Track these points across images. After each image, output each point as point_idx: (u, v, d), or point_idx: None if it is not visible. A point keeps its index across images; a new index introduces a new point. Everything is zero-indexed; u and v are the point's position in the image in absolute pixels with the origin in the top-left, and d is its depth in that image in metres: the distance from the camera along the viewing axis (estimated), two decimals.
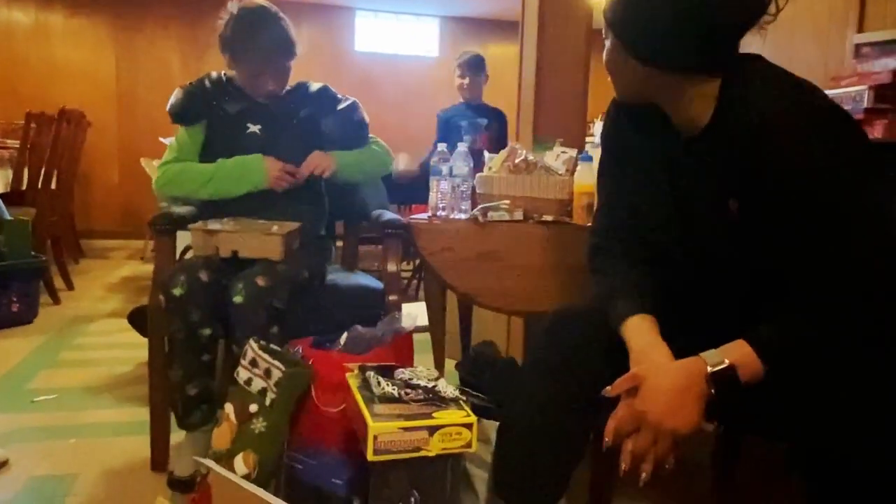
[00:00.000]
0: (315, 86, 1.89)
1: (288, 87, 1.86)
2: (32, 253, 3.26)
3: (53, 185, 3.89)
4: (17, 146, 3.65)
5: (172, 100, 1.81)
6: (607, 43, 1.01)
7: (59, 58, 5.91)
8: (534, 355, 1.13)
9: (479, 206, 1.76)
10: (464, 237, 1.73)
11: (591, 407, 0.99)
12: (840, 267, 0.88)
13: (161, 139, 3.95)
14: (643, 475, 0.92)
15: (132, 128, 6.07)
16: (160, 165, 1.82)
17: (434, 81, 7.01)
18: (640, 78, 0.98)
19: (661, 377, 0.93)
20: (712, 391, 0.91)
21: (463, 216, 1.77)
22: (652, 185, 1.07)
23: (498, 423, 1.29)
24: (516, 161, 1.78)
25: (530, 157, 1.80)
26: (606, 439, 0.94)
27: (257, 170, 1.73)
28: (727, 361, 0.91)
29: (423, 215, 1.82)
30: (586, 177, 1.74)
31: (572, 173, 1.80)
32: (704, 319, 1.01)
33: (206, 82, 1.82)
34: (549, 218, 1.74)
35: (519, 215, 1.74)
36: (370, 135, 1.93)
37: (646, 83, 0.99)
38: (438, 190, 1.81)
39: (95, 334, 3.06)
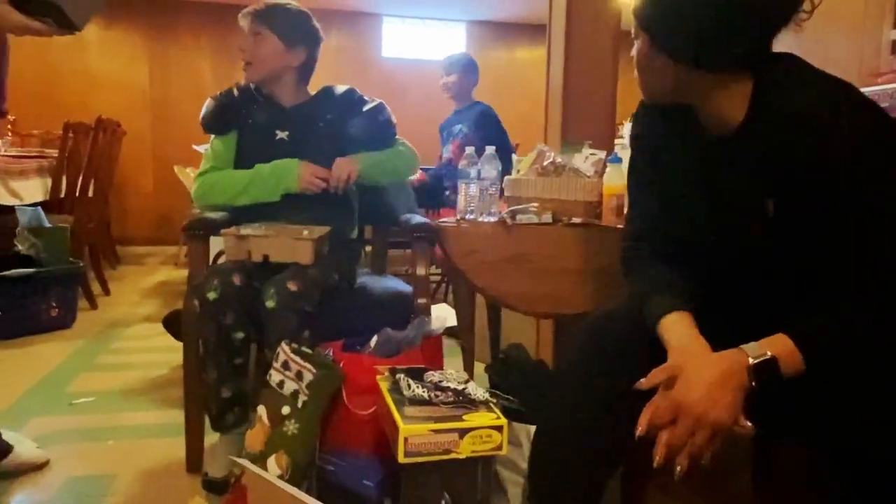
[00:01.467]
0: (340, 89, 1.91)
1: (314, 92, 1.88)
2: (71, 259, 3.35)
3: (91, 193, 3.99)
4: (56, 155, 3.75)
5: (204, 111, 1.84)
6: (638, 42, 1.00)
7: (95, 68, 6.07)
8: (570, 360, 1.12)
9: (508, 209, 1.76)
10: (492, 240, 1.73)
11: (628, 412, 0.98)
12: (880, 264, 0.87)
13: (195, 147, 4.02)
14: (678, 468, 0.90)
15: (166, 136, 6.20)
16: (197, 176, 1.85)
17: None
18: (671, 77, 0.98)
19: (700, 367, 0.92)
20: (753, 383, 0.89)
21: (491, 219, 1.77)
22: (684, 185, 1.06)
23: (528, 426, 1.29)
24: (545, 163, 1.78)
25: (559, 160, 1.80)
26: (639, 428, 0.92)
27: (291, 174, 1.75)
28: (769, 353, 0.89)
29: (452, 219, 1.82)
30: (615, 178, 1.73)
31: (601, 175, 1.79)
32: (739, 318, 0.99)
33: (235, 91, 1.86)
34: (578, 220, 1.73)
35: (548, 218, 1.74)
36: (397, 136, 1.94)
37: (677, 82, 0.98)
38: (467, 193, 1.81)
39: (131, 338, 3.13)
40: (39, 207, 3.40)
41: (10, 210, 3.25)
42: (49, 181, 3.72)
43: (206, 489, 1.59)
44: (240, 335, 1.60)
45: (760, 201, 0.94)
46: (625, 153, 2.00)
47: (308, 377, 1.38)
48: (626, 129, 2.29)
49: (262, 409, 1.42)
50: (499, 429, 1.17)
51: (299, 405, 1.38)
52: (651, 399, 0.94)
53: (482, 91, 3.88)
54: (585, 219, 1.74)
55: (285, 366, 1.42)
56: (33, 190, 3.55)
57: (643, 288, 1.09)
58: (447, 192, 3.28)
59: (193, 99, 5.91)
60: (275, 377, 1.43)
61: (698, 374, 0.91)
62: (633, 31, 1.01)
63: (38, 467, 1.76)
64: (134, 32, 6.18)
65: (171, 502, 1.61)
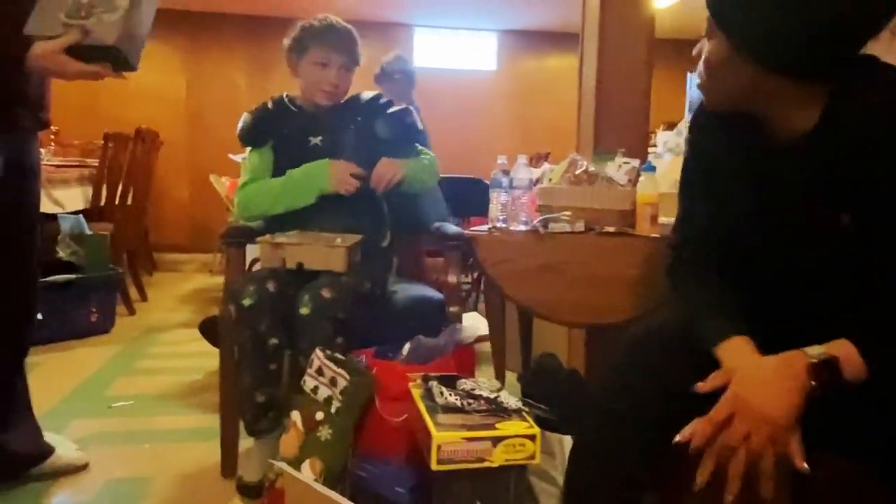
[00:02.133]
0: (368, 94, 1.94)
1: (342, 100, 1.91)
2: (110, 266, 3.44)
3: (129, 202, 4.09)
4: (96, 165, 3.85)
5: (240, 125, 1.88)
6: (711, 43, 0.96)
7: (134, 81, 6.17)
8: (611, 374, 1.09)
9: (540, 218, 1.76)
10: (524, 248, 1.73)
11: (672, 429, 0.96)
12: None
13: (230, 156, 4.10)
14: (733, 473, 0.86)
15: (201, 146, 6.33)
16: (238, 189, 1.87)
17: (492, 94, 7.06)
18: (747, 81, 0.93)
19: (760, 366, 0.90)
20: (813, 383, 0.86)
21: (523, 227, 1.77)
22: (740, 196, 1.03)
23: (561, 436, 1.28)
24: (577, 172, 1.78)
25: (591, 168, 1.79)
26: (688, 434, 0.89)
27: (322, 174, 1.77)
28: (830, 354, 0.87)
29: (484, 227, 1.83)
30: (649, 187, 1.72)
31: (634, 184, 1.78)
32: (793, 332, 0.97)
33: (269, 104, 1.89)
34: (611, 229, 1.72)
35: (580, 226, 1.73)
36: (418, 147, 1.94)
37: (752, 87, 0.94)
38: (498, 202, 1.82)
39: (168, 344, 3.19)
40: (81, 215, 3.50)
41: (52, 218, 3.34)
42: (90, 190, 3.82)
43: (241, 493, 1.61)
44: (274, 341, 1.62)
45: (831, 210, 0.91)
46: (659, 162, 1.99)
47: (342, 383, 1.39)
48: (659, 137, 2.27)
49: (296, 415, 1.44)
50: (532, 438, 1.16)
51: (333, 411, 1.39)
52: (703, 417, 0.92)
53: (514, 99, 3.88)
54: (619, 228, 1.73)
55: (319, 372, 1.44)
56: (74, 198, 3.65)
57: (696, 307, 1.06)
58: None
59: (228, 110, 6.05)
60: (309, 383, 1.45)
61: (758, 371, 0.89)
62: (706, 30, 0.97)
63: (79, 469, 1.81)
64: (171, 46, 6.33)
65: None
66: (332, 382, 1.42)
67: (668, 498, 1.25)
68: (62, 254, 3.24)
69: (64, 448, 1.82)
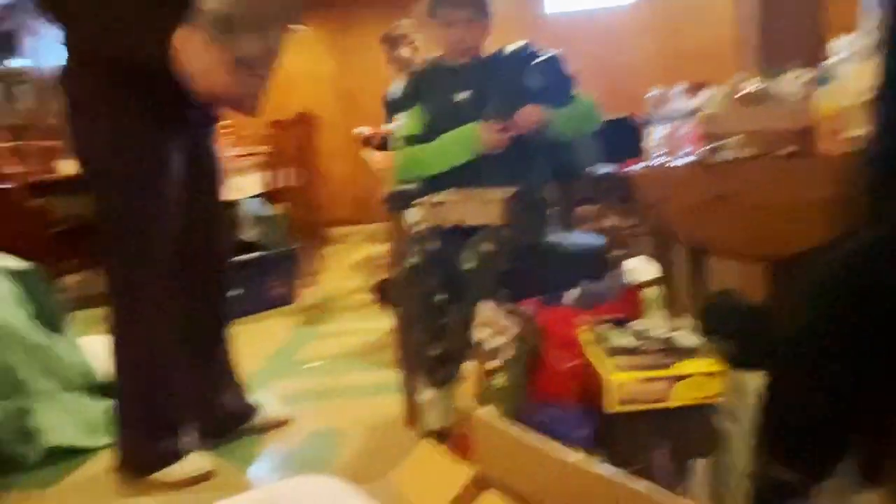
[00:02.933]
0: (512, 46, 1.91)
1: (486, 55, 1.90)
2: (288, 243, 3.75)
3: (299, 182, 4.41)
4: (268, 151, 4.19)
5: (390, 92, 1.94)
6: None
7: (291, 68, 6.61)
8: (811, 304, 1.00)
9: (704, 147, 1.64)
10: (689, 182, 1.63)
11: (884, 361, 0.86)
12: None
13: (383, 127, 4.25)
14: None
15: (355, 123, 6.61)
16: (395, 156, 1.95)
17: (633, 28, 6.63)
18: None
19: None
20: None
21: (686, 160, 1.67)
22: None
23: (750, 374, 1.21)
24: (744, 92, 1.63)
25: (760, 86, 1.63)
26: None
27: (473, 137, 1.79)
28: None
29: (640, 165, 1.75)
30: (829, 100, 1.54)
31: (811, 98, 1.60)
32: None
33: (419, 67, 1.93)
34: (788, 150, 1.57)
35: (753, 151, 1.59)
36: (577, 92, 1.88)
37: None
38: (655, 136, 1.72)
39: (346, 309, 3.44)
40: (259, 198, 3.84)
41: (235, 203, 3.70)
42: (264, 175, 4.17)
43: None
44: (441, 297, 1.68)
45: None
46: (838, 71, 1.77)
47: (509, 332, 1.41)
48: (836, 44, 2.01)
49: (470, 365, 1.49)
50: (714, 376, 1.11)
51: (504, 360, 1.42)
52: None
53: (657, 30, 3.60)
54: (796, 148, 1.56)
55: (486, 323, 1.47)
56: (252, 183, 4.01)
57: None
58: None
59: (375, 84, 6.23)
60: (478, 334, 1.48)
61: None
62: None
63: (282, 424, 2.01)
64: (321, 31, 6.64)
65: (395, 452, 1.75)
66: (501, 332, 1.44)
67: (881, 443, 1.14)
68: (246, 235, 3.58)
69: (269, 405, 2.04)
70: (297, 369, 2.55)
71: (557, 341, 1.43)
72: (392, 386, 1.98)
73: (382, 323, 2.84)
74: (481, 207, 1.67)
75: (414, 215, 1.88)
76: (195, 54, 1.45)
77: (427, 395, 1.77)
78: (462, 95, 1.86)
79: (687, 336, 1.20)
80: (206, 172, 1.77)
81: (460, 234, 1.68)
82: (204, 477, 1.71)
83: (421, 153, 1.87)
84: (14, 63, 4.73)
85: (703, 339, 1.21)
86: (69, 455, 1.89)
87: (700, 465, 1.14)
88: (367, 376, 2.38)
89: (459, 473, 0.99)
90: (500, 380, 1.41)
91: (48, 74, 4.90)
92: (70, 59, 1.64)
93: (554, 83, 1.85)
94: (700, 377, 1.11)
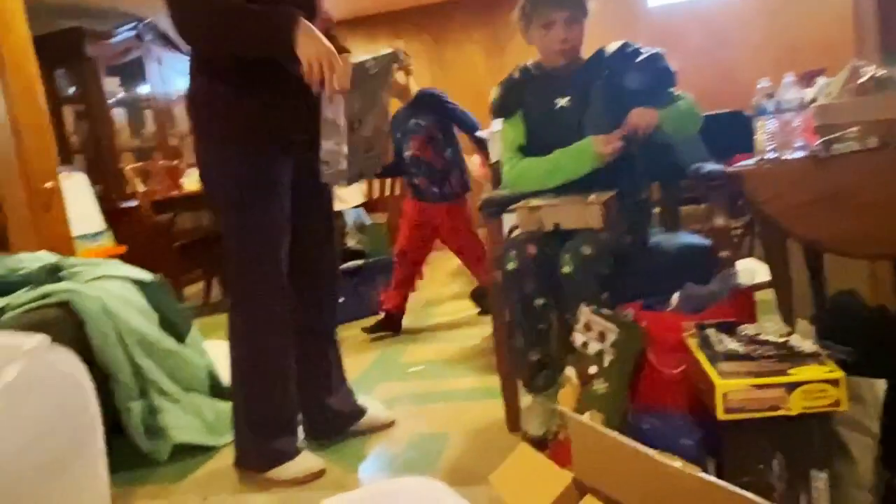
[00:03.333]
0: (613, 45, 1.86)
1: (586, 57, 1.86)
2: (389, 250, 3.84)
3: (398, 192, 4.51)
4: None
5: (492, 97, 1.94)
6: None
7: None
8: None
9: (820, 140, 1.54)
10: (803, 178, 1.53)
11: None
12: None
13: (477, 133, 4.28)
14: None
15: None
16: (504, 165, 1.94)
17: (740, 18, 6.32)
18: None
19: None
20: None
21: (799, 154, 1.57)
22: None
23: (873, 381, 1.13)
24: (862, 80, 1.52)
25: (880, 73, 1.52)
26: None
27: (590, 154, 1.73)
28: None
29: (751, 161, 1.66)
30: None
31: None
32: None
33: (515, 74, 1.92)
34: None
35: (873, 142, 1.48)
36: (676, 91, 1.81)
37: None
38: (765, 130, 1.64)
39: (446, 314, 3.48)
40: (361, 208, 3.97)
41: (339, 214, 3.85)
42: (364, 186, 4.31)
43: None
44: (540, 301, 1.67)
45: None
46: None
47: (611, 337, 1.39)
48: None
49: (570, 370, 1.47)
50: (834, 383, 1.04)
51: (605, 364, 1.40)
52: None
53: (766, 17, 3.43)
54: None
55: (587, 327, 1.45)
56: (354, 195, 4.16)
57: None
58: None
59: (470, 90, 6.29)
60: (578, 339, 1.47)
61: None
62: None
63: (387, 426, 2.07)
64: (416, 41, 6.79)
65: (497, 456, 1.75)
66: (602, 337, 1.42)
67: None
68: (350, 243, 3.71)
69: (375, 408, 2.10)
70: (400, 373, 2.61)
71: (662, 346, 1.39)
72: (493, 391, 1.99)
73: (482, 329, 2.87)
74: (580, 211, 1.66)
75: (511, 220, 1.88)
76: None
77: (527, 400, 1.77)
78: (563, 101, 1.82)
79: (803, 341, 1.14)
80: (315, 187, 1.86)
81: (559, 238, 1.67)
82: (315, 475, 1.79)
83: (533, 168, 1.84)
84: (140, 89, 5.14)
85: (821, 345, 1.14)
86: (194, 452, 2.03)
87: (819, 478, 1.07)
88: (469, 381, 2.40)
89: (558, 479, 0.98)
90: (600, 386, 1.39)
91: (171, 100, 5.30)
92: (194, 83, 1.79)
93: (657, 82, 1.79)
94: (819, 384, 1.04)
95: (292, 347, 1.86)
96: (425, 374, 2.56)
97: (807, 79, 2.34)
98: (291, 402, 1.87)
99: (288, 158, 1.78)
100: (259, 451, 1.81)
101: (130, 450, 1.98)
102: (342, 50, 1.69)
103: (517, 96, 1.90)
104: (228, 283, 1.82)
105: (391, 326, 3.19)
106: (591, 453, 0.97)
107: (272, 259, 1.77)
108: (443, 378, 2.48)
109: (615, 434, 0.94)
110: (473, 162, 4.41)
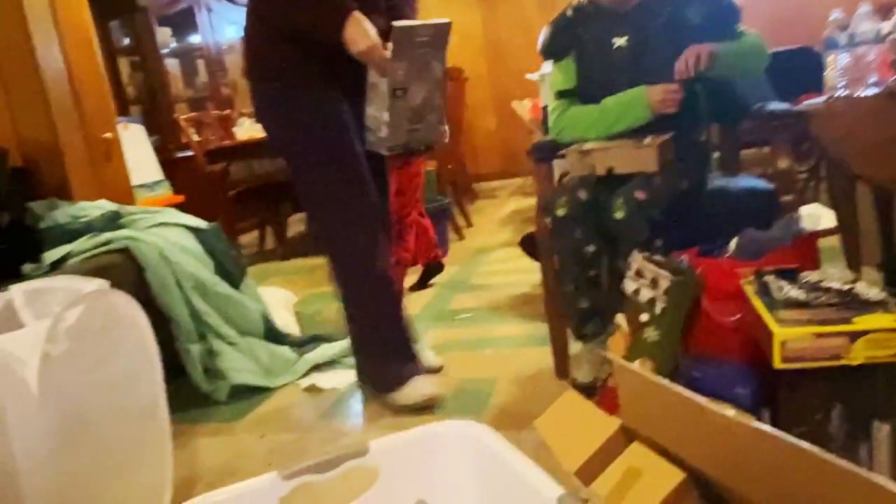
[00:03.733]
0: None
1: None
2: (438, 197, 3.83)
3: (447, 139, 4.46)
4: None
5: (541, 38, 1.86)
6: None
7: None
8: None
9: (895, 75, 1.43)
10: (875, 116, 1.43)
11: None
12: None
13: (527, 76, 4.17)
14: None
15: (501, 75, 6.55)
16: (551, 112, 1.88)
17: None
18: None
19: None
20: None
21: (873, 91, 1.47)
22: None
23: None
24: None
25: None
26: None
27: (640, 104, 1.67)
28: None
29: (819, 99, 1.56)
30: None
31: None
32: None
33: (568, 12, 1.83)
34: None
35: None
36: (742, 27, 1.70)
37: None
38: (837, 65, 1.53)
39: (495, 262, 3.47)
40: None
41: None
42: None
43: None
44: (591, 248, 1.64)
45: None
46: None
47: (664, 284, 1.35)
48: None
49: (620, 317, 1.45)
50: None
51: (657, 312, 1.36)
52: None
53: None
54: None
55: (639, 274, 1.41)
56: None
57: None
58: None
59: (522, 34, 6.12)
60: (630, 285, 1.43)
61: None
62: None
63: (437, 371, 2.09)
64: None
65: (544, 403, 1.76)
66: (654, 284, 1.38)
67: None
68: None
69: (425, 354, 2.12)
70: (449, 320, 2.63)
71: (718, 293, 1.35)
72: (541, 338, 1.98)
73: (530, 276, 2.84)
74: (634, 154, 1.60)
75: (561, 165, 1.83)
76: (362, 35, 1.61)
77: (576, 348, 1.76)
78: (620, 41, 1.73)
79: (870, 288, 1.08)
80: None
81: (610, 183, 1.62)
82: (432, 400, 1.81)
83: (581, 117, 1.77)
84: (191, 39, 5.19)
85: (890, 292, 1.08)
86: (251, 393, 2.11)
87: (882, 430, 1.03)
88: (517, 328, 2.40)
89: (605, 425, 0.97)
90: (652, 333, 1.36)
91: (221, 49, 5.33)
92: (253, 30, 1.78)
93: (719, 16, 1.69)
94: (885, 333, 0.99)
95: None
96: (473, 321, 2.57)
97: (884, 10, 2.16)
98: (404, 325, 1.90)
99: (350, 103, 1.77)
100: (378, 373, 1.87)
101: (191, 390, 2.07)
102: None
103: (569, 36, 1.81)
104: (318, 223, 1.87)
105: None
106: (640, 400, 0.95)
107: (355, 191, 1.76)
108: (491, 325, 2.49)
109: (664, 381, 0.92)
110: (524, 106, 4.32)
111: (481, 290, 2.99)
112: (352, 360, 1.99)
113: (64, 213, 2.28)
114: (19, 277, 1.93)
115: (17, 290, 1.42)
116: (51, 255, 2.07)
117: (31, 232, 2.20)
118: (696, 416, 0.83)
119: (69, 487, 1.18)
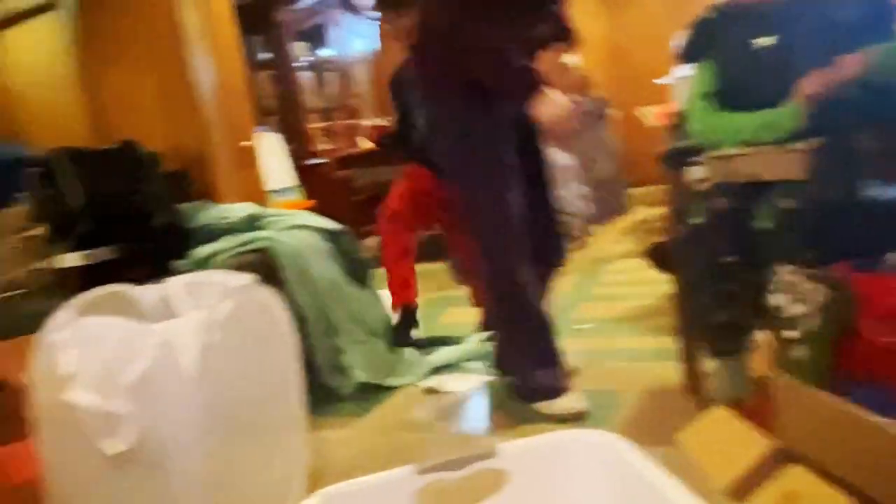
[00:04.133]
0: None
1: None
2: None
3: None
4: None
5: (680, 40, 1.80)
6: None
7: None
8: None
9: None
10: None
11: None
12: None
13: (654, 81, 4.05)
14: None
15: (625, 81, 6.38)
16: (694, 111, 1.80)
17: None
18: None
19: None
20: None
21: None
22: None
23: None
24: None
25: None
26: None
27: (781, 125, 1.56)
28: None
29: None
30: None
31: None
32: None
33: (708, 13, 1.76)
34: None
35: None
36: None
37: None
38: None
39: (616, 273, 3.39)
40: None
41: None
42: None
43: None
44: (729, 259, 1.55)
45: None
46: None
47: (816, 299, 1.25)
48: None
49: (763, 334, 1.36)
50: None
51: (806, 330, 1.27)
52: None
53: None
54: None
55: (787, 288, 1.32)
56: None
57: None
58: None
59: (649, 41, 5.93)
60: (775, 300, 1.34)
61: None
62: None
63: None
64: None
65: (674, 418, 1.68)
66: (803, 299, 1.29)
67: None
68: None
69: None
70: (569, 329, 2.58)
71: (877, 311, 1.24)
72: (665, 352, 1.90)
73: (654, 288, 2.74)
74: (781, 160, 1.50)
75: (697, 172, 1.75)
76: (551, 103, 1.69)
77: (711, 364, 1.67)
78: (765, 41, 1.63)
79: None
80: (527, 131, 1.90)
81: (752, 191, 1.53)
82: (576, 415, 1.79)
83: (723, 128, 1.68)
84: (322, 52, 5.46)
85: None
86: (374, 391, 2.17)
87: None
88: (641, 341, 2.32)
89: (757, 445, 0.91)
90: (799, 352, 1.27)
91: (348, 61, 5.57)
92: (425, 64, 1.89)
93: (875, 15, 1.56)
94: None
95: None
96: (594, 332, 2.51)
97: None
98: (550, 334, 1.90)
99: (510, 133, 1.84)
100: (533, 382, 1.87)
101: (317, 384, 2.16)
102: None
103: (709, 38, 1.74)
104: (475, 239, 1.89)
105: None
106: (802, 418, 0.88)
107: (507, 217, 1.81)
108: (612, 336, 2.43)
109: (835, 398, 0.85)
110: (650, 112, 4.19)
111: (603, 300, 2.93)
112: (472, 365, 2.01)
113: (209, 214, 2.46)
114: (169, 273, 2.10)
115: (173, 283, 1.55)
116: (197, 253, 2.24)
117: (181, 231, 2.40)
118: (869, 432, 0.76)
119: (214, 468, 1.27)
